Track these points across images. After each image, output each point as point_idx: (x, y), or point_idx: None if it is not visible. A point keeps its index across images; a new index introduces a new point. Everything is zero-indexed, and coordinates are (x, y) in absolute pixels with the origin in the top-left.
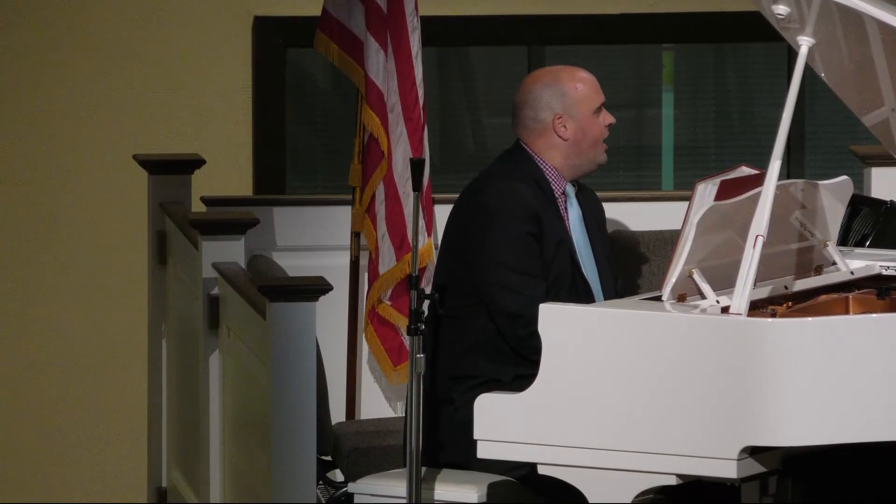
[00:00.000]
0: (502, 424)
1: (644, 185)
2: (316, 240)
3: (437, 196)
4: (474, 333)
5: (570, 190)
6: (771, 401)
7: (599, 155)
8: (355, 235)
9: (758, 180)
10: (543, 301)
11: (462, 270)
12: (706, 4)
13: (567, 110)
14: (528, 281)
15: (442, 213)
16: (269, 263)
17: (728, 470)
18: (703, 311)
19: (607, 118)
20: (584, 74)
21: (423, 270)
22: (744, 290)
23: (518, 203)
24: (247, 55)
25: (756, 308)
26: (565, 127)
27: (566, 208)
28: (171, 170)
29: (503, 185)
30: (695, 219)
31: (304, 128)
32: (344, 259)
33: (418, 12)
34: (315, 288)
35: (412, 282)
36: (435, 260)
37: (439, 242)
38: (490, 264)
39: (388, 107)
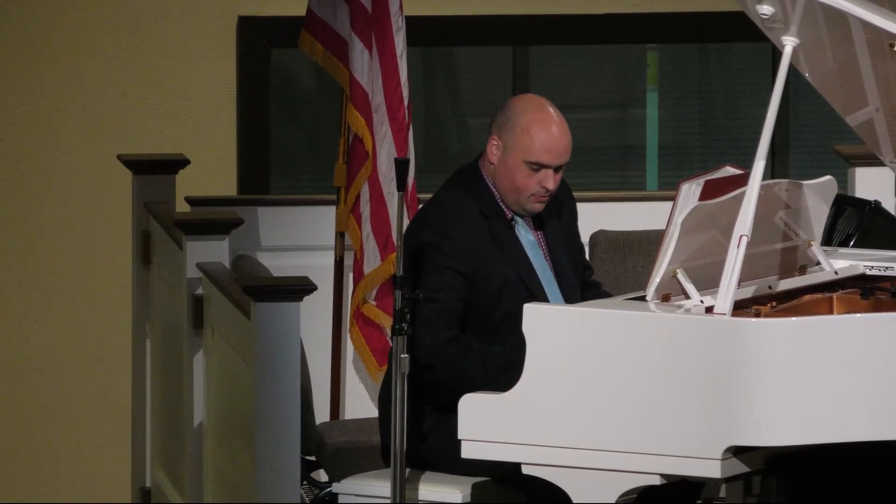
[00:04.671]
0: (486, 424)
1: (628, 185)
2: (300, 240)
3: (421, 196)
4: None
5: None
6: (755, 401)
7: (526, 203)
8: (340, 235)
9: (742, 180)
10: (448, 347)
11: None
12: (691, 4)
13: (506, 140)
14: (439, 326)
15: None
16: (254, 263)
17: (712, 470)
18: (688, 310)
19: (545, 181)
20: (554, 130)
21: None
22: (728, 290)
23: (453, 243)
24: (231, 55)
25: (740, 308)
26: (494, 151)
27: (516, 231)
28: (155, 170)
29: (443, 221)
30: (679, 219)
31: (288, 128)
32: (328, 259)
33: (403, 12)
34: (299, 288)
35: (397, 282)
36: None
37: None
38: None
39: (372, 107)
